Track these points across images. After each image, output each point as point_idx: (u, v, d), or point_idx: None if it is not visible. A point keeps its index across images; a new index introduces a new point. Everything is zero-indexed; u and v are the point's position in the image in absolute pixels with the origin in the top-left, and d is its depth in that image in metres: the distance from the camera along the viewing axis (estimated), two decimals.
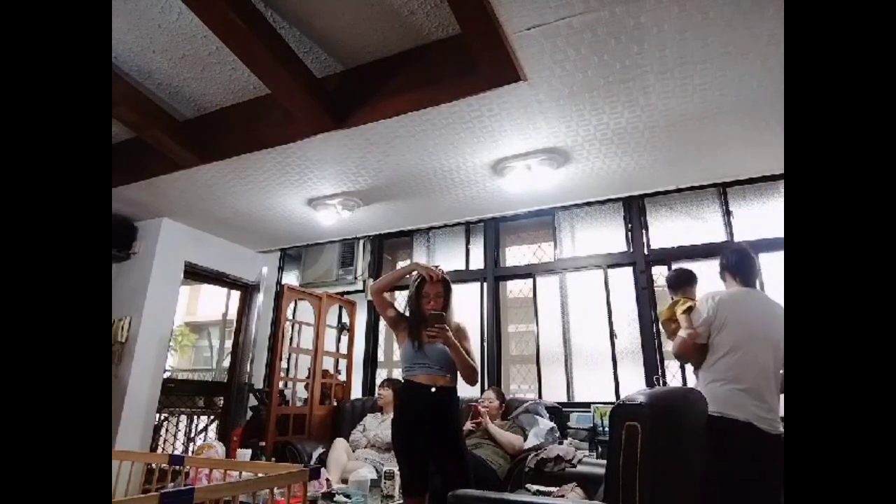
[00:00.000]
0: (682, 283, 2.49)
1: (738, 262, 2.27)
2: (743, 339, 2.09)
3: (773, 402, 2.05)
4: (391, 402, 3.31)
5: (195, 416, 4.86)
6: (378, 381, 4.31)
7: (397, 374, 3.44)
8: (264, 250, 5.00)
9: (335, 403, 4.09)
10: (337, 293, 4.48)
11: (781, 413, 2.09)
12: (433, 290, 2.21)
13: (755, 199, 3.43)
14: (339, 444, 3.23)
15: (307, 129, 2.84)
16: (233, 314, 5.24)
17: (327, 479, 2.68)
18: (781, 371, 2.10)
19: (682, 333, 2.19)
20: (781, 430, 2.01)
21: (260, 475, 1.81)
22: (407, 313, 2.30)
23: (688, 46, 2.17)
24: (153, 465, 2.41)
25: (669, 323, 2.41)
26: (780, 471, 1.85)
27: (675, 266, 3.44)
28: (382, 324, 4.50)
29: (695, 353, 2.17)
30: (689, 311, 2.24)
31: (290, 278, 4.93)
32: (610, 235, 3.76)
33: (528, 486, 2.48)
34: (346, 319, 4.56)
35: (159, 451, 4.17)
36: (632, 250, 3.61)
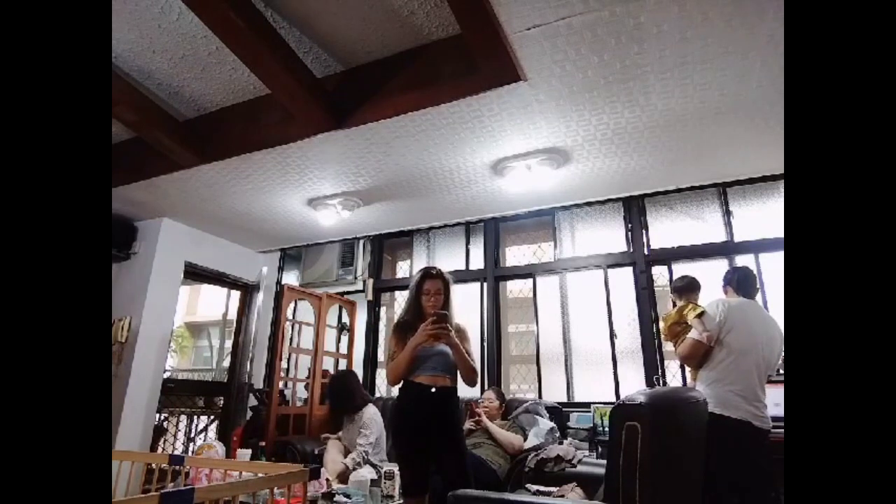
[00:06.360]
0: (690, 289, 2.65)
1: (740, 279, 2.47)
2: (745, 345, 2.25)
3: (764, 401, 2.25)
4: (329, 409, 3.43)
5: (195, 416, 4.86)
6: (379, 381, 4.32)
7: None
8: (264, 250, 5.00)
9: None
10: (337, 293, 4.48)
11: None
12: (433, 286, 2.22)
13: (755, 199, 3.43)
14: (333, 444, 3.23)
15: (307, 129, 2.84)
16: (233, 314, 5.24)
17: (327, 479, 2.68)
18: (768, 374, 2.33)
19: (696, 336, 2.32)
20: (771, 425, 2.26)
21: (260, 475, 1.81)
22: (406, 317, 2.29)
23: (688, 46, 2.17)
24: (153, 465, 2.41)
25: (676, 326, 2.54)
26: (770, 459, 2.18)
27: (675, 267, 3.47)
28: (382, 324, 4.51)
29: (703, 355, 2.30)
30: (700, 315, 2.34)
31: (290, 278, 4.93)
32: (610, 235, 3.76)
33: (528, 486, 2.48)
34: (346, 319, 4.56)
35: (159, 451, 4.17)
36: (632, 250, 3.61)
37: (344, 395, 3.34)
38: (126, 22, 2.42)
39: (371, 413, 3.23)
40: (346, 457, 3.13)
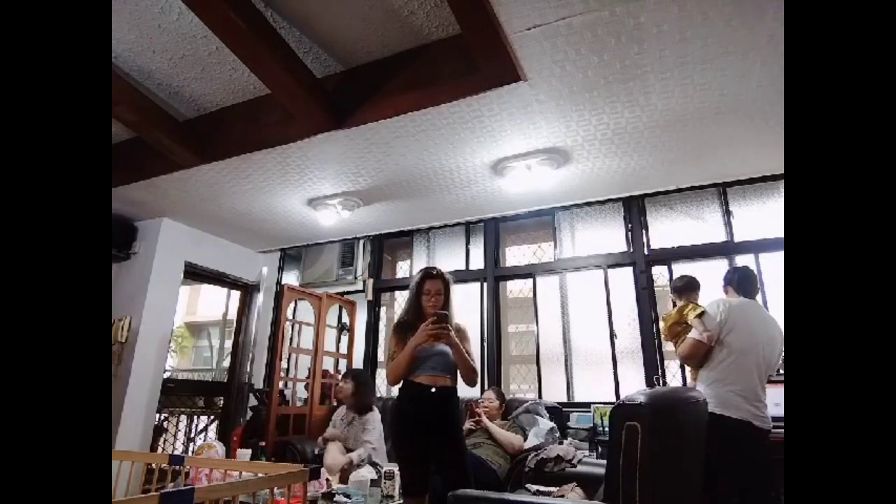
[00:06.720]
0: (690, 289, 2.64)
1: (740, 279, 2.47)
2: (745, 345, 2.25)
3: (764, 401, 2.25)
4: (350, 395, 3.37)
5: (195, 416, 4.86)
6: (379, 380, 4.32)
7: None
8: (264, 250, 5.00)
9: (335, 403, 4.09)
10: (337, 293, 4.49)
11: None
12: (433, 286, 2.22)
13: (755, 199, 3.43)
14: (333, 444, 3.23)
15: (307, 129, 2.84)
16: (233, 314, 5.24)
17: (327, 479, 2.68)
18: (768, 374, 2.33)
19: (697, 336, 2.31)
20: (771, 425, 2.26)
21: (260, 475, 1.81)
22: (407, 317, 2.29)
23: (688, 46, 2.17)
24: (153, 465, 2.41)
25: (676, 326, 2.54)
26: (770, 459, 2.18)
27: (675, 267, 3.47)
28: (382, 324, 4.51)
29: (703, 355, 2.30)
30: (701, 315, 2.34)
31: (290, 278, 4.93)
32: (610, 235, 3.76)
33: (528, 486, 2.48)
34: (346, 319, 4.56)
35: (159, 451, 4.17)
36: (632, 250, 3.61)
37: (367, 390, 3.42)
38: (126, 22, 2.42)
39: (376, 415, 3.27)
40: (344, 454, 3.14)
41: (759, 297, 2.63)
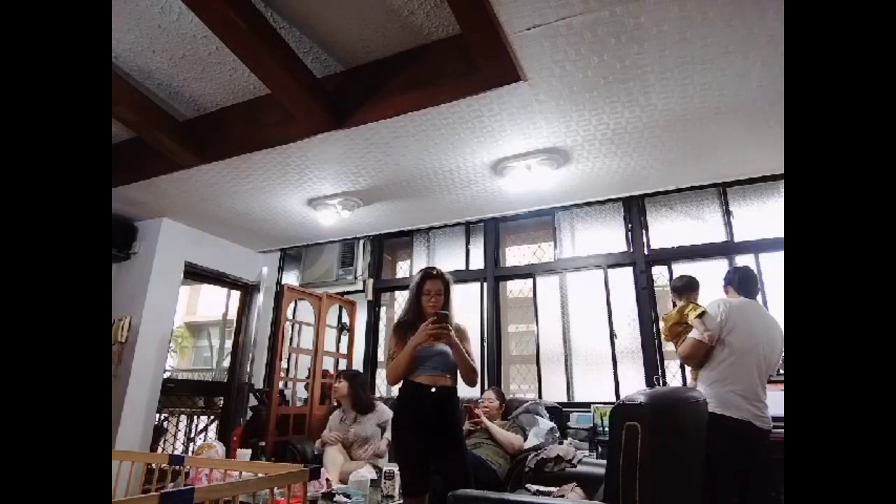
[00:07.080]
0: (689, 288, 2.64)
1: (741, 279, 2.47)
2: (746, 345, 2.25)
3: (765, 401, 2.25)
4: (346, 395, 3.36)
5: (195, 416, 4.87)
6: (378, 381, 4.32)
7: None
8: (264, 250, 5.00)
9: (335, 403, 4.09)
10: (337, 293, 4.49)
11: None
12: (434, 286, 2.22)
13: (755, 199, 3.43)
14: (331, 448, 3.23)
15: (307, 129, 2.84)
16: (233, 314, 5.24)
17: (327, 479, 2.68)
18: (768, 374, 2.33)
19: (697, 336, 2.32)
20: (772, 425, 2.25)
21: (260, 475, 1.81)
22: (407, 317, 2.29)
23: (688, 46, 2.17)
24: (153, 465, 2.41)
25: (677, 326, 2.54)
26: (770, 459, 2.18)
27: (675, 267, 3.47)
28: (382, 324, 4.51)
29: (704, 355, 2.30)
30: (702, 315, 2.34)
31: (290, 278, 4.93)
32: (610, 235, 3.76)
33: (528, 486, 2.48)
34: (346, 319, 4.56)
35: (159, 451, 4.17)
36: (632, 250, 3.61)
37: (363, 390, 3.44)
38: (126, 22, 2.42)
39: (385, 406, 3.29)
40: (345, 455, 3.14)
41: (759, 297, 2.64)
